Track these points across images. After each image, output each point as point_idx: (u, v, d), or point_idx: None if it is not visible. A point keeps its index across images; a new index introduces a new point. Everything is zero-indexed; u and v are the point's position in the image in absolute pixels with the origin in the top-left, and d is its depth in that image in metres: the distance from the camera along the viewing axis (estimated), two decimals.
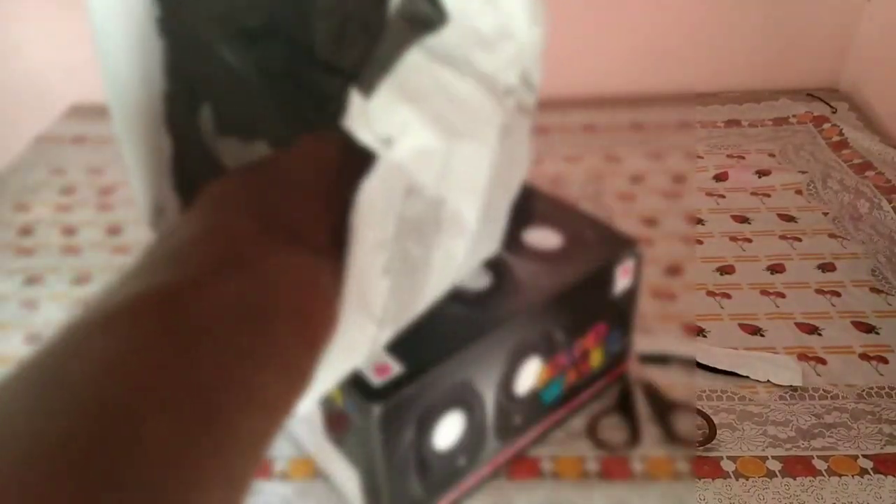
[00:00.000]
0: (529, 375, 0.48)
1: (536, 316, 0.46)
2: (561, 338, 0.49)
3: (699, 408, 0.56)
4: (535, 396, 0.49)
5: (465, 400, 0.44)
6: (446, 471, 0.46)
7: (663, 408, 0.55)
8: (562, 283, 0.47)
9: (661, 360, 0.59)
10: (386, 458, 0.41)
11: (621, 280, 0.51)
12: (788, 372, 0.59)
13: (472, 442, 0.46)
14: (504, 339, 0.45)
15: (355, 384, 0.40)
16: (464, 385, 0.43)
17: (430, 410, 0.42)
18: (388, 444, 0.40)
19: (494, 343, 0.44)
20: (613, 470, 0.52)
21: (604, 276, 0.50)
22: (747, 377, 0.59)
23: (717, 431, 0.54)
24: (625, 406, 0.56)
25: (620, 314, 0.54)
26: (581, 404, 0.55)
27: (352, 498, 0.47)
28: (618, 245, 0.51)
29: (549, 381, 0.50)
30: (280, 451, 0.55)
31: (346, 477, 0.46)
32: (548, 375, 0.49)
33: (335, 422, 0.44)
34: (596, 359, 0.53)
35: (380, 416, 0.39)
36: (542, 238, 0.51)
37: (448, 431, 0.44)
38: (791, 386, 0.58)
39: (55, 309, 0.73)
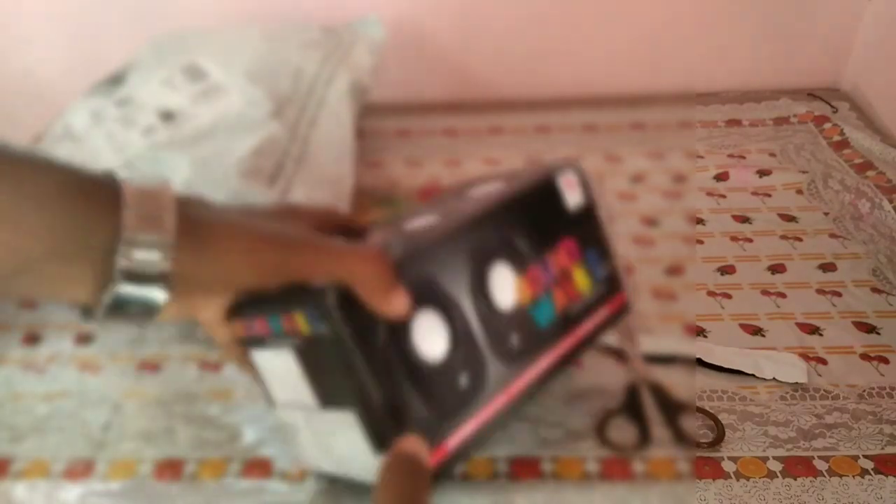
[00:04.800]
0: (505, 285, 0.47)
1: (487, 218, 0.48)
2: (524, 247, 0.49)
3: (703, 408, 0.56)
4: (525, 315, 0.48)
5: (436, 300, 0.43)
6: (449, 390, 0.44)
7: (672, 409, 0.55)
8: (507, 193, 0.50)
9: (665, 359, 0.59)
10: (366, 363, 0.39)
11: (570, 194, 0.53)
12: (794, 369, 0.59)
13: (465, 355, 0.45)
14: (458, 238, 0.46)
15: (309, 298, 0.39)
16: (428, 283, 0.43)
17: None
18: (361, 343, 0.39)
19: (448, 240, 0.45)
20: (614, 471, 0.52)
21: (548, 188, 0.52)
22: (751, 376, 0.59)
23: None
24: (633, 407, 0.56)
25: (586, 232, 0.54)
26: (587, 336, 0.53)
27: (360, 462, 0.43)
28: (557, 165, 0.55)
29: (536, 298, 0.49)
30: (280, 450, 0.55)
31: (349, 441, 0.43)
32: (529, 290, 0.49)
33: (312, 361, 0.42)
34: (581, 281, 0.53)
35: (337, 306, 0.38)
36: (487, 188, 0.54)
37: (429, 335, 0.43)
38: (793, 386, 0.58)
39: (53, 308, 0.73)
